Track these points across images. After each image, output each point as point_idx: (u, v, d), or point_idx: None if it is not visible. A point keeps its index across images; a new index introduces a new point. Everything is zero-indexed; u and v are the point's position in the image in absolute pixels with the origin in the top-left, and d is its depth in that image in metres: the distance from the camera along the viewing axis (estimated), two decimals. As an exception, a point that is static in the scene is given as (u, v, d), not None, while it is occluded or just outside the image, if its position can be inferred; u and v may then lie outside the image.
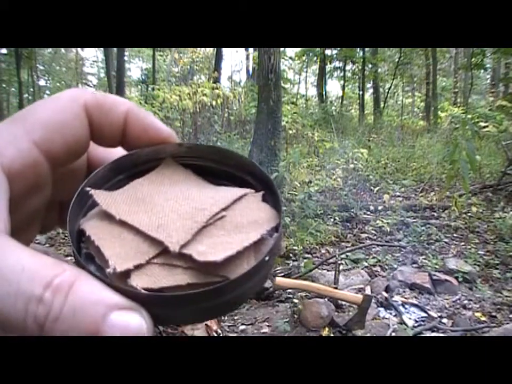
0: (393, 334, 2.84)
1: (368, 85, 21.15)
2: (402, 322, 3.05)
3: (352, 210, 5.33)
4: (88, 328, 0.20)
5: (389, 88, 18.47)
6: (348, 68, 19.89)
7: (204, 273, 0.24)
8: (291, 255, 4.09)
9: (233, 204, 0.28)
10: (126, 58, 16.90)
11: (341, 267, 3.68)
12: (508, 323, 3.00)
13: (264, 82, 6.15)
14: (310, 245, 4.39)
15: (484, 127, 7.48)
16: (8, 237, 0.22)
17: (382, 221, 4.84)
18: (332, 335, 2.86)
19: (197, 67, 20.67)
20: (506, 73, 16.89)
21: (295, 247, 4.10)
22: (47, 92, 22.87)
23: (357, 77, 19.40)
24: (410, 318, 3.13)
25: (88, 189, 0.28)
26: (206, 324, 2.70)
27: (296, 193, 5.08)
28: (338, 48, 16.22)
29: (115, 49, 12.28)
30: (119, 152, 0.31)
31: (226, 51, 18.78)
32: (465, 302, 3.39)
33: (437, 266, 3.94)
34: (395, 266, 4.03)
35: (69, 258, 0.27)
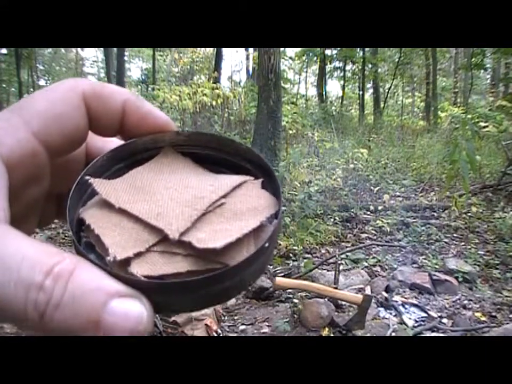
0: (393, 334, 2.84)
1: (368, 85, 21.16)
2: (402, 322, 3.05)
3: (352, 210, 5.33)
4: (88, 315, 0.20)
5: (389, 88, 18.47)
6: (348, 68, 19.91)
7: (204, 260, 0.24)
8: (291, 255, 4.09)
9: (232, 191, 0.29)
10: (126, 58, 16.91)
11: (341, 267, 3.68)
12: (508, 323, 3.00)
13: (264, 82, 6.15)
14: (310, 245, 4.39)
15: (484, 127, 7.47)
16: (8, 225, 0.22)
17: (382, 221, 4.84)
18: (332, 335, 2.86)
19: (197, 67, 20.66)
20: (506, 73, 16.89)
21: (295, 247, 4.10)
22: (47, 92, 22.76)
23: (357, 77, 19.40)
24: (410, 318, 3.13)
25: (87, 177, 0.28)
26: (206, 324, 2.70)
27: (296, 193, 5.08)
28: (338, 48, 16.22)
29: (115, 49, 12.28)
30: (117, 142, 0.31)
31: (226, 51, 18.78)
32: (465, 302, 3.39)
33: (437, 266, 3.94)
34: (395, 266, 4.03)
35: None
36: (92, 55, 28.97)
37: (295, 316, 3.02)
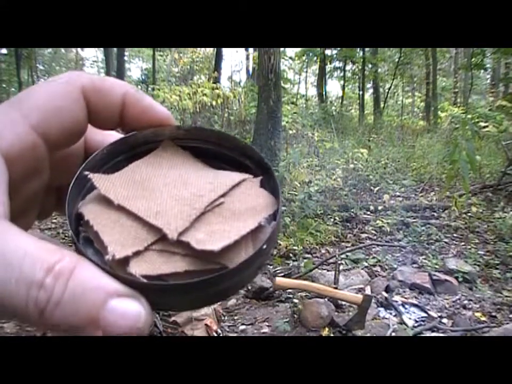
0: (393, 334, 2.84)
1: (368, 85, 21.16)
2: (402, 322, 3.05)
3: (352, 210, 5.33)
4: (88, 313, 0.21)
5: (389, 88, 18.47)
6: (348, 68, 19.91)
7: (202, 261, 0.25)
8: (291, 255, 4.09)
9: (231, 189, 0.29)
10: (126, 58, 16.91)
11: (341, 267, 3.68)
12: (508, 323, 3.00)
13: (264, 82, 6.15)
14: (310, 245, 4.39)
15: (484, 127, 7.47)
16: (9, 222, 0.22)
17: (382, 221, 4.84)
18: (332, 335, 2.86)
19: (197, 67, 20.66)
20: (506, 73, 16.89)
21: (295, 247, 4.10)
22: (47, 91, 22.79)
23: (357, 77, 19.40)
24: (410, 318, 3.13)
25: (86, 172, 0.28)
26: (206, 324, 2.70)
27: (296, 193, 5.07)
28: (338, 48, 16.22)
29: (115, 49, 12.28)
30: (116, 136, 0.31)
31: (226, 51, 18.78)
32: (465, 302, 3.39)
33: (437, 266, 3.94)
34: (395, 266, 4.03)
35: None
36: (92, 55, 29.03)
37: (295, 316, 3.02)
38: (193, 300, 0.24)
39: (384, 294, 3.40)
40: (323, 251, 4.44)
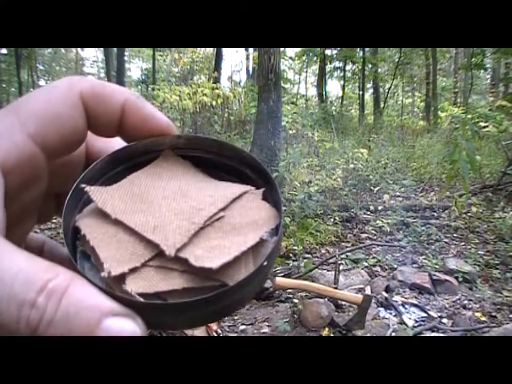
0: (393, 334, 2.84)
1: (368, 85, 21.16)
2: (402, 322, 3.05)
3: (352, 210, 5.33)
4: (82, 332, 0.20)
5: (389, 88, 18.47)
6: (348, 68, 19.91)
7: (201, 278, 0.24)
8: (291, 255, 4.09)
9: (232, 202, 0.28)
10: (126, 58, 16.90)
11: (341, 267, 3.68)
12: (508, 323, 3.00)
13: (264, 82, 6.15)
14: (310, 245, 4.39)
15: (484, 127, 7.46)
16: (3, 238, 0.22)
17: (382, 221, 4.84)
18: (332, 335, 2.86)
19: (197, 67, 20.65)
20: (506, 73, 16.89)
21: (295, 247, 4.10)
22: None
23: (357, 77, 19.40)
24: (410, 318, 3.13)
25: (83, 185, 0.27)
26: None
27: (296, 193, 5.07)
28: (338, 48, 16.22)
29: (115, 49, 12.28)
30: (118, 142, 0.31)
31: (226, 51, 18.78)
32: (465, 302, 3.39)
33: (437, 266, 3.94)
34: (395, 266, 4.03)
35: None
36: (92, 55, 29.03)
37: (295, 316, 3.02)
38: (191, 319, 0.24)
39: (384, 294, 3.40)
40: (323, 251, 4.44)
